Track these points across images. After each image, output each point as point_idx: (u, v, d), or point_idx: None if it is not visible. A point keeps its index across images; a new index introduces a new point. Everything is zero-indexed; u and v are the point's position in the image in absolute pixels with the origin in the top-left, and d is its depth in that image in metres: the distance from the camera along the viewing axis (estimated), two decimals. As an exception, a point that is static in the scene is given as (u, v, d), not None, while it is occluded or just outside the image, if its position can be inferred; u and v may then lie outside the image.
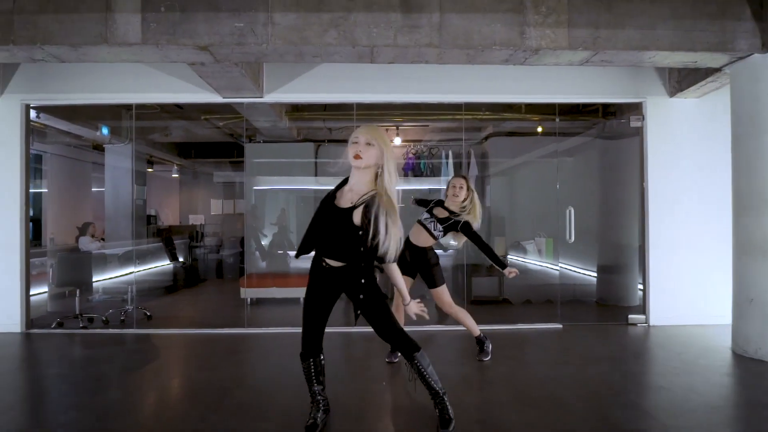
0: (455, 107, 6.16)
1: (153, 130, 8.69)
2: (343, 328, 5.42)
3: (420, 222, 4.12)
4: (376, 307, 2.74)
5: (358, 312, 2.74)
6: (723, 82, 4.94)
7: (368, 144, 2.64)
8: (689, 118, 5.59)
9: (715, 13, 4.16)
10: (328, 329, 2.89)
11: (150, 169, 10.98)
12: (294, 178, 8.37)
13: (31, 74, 5.45)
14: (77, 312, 5.68)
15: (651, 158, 5.58)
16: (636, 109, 5.75)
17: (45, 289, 6.32)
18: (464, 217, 4.03)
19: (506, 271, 4.05)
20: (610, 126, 6.79)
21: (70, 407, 3.26)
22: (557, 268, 6.71)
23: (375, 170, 2.68)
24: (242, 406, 3.22)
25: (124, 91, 5.53)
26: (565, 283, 6.91)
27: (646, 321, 5.57)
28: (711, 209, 5.45)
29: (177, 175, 12.43)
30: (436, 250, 4.22)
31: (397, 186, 2.71)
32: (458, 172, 7.41)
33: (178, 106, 7.14)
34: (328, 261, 2.74)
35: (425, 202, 4.27)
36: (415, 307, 2.84)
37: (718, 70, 4.66)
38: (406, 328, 2.90)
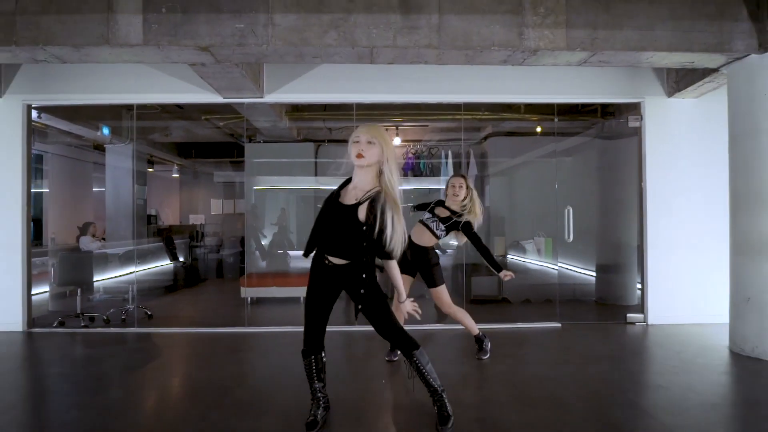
0: (454, 107, 6.19)
1: (153, 130, 8.72)
2: (344, 327, 5.44)
3: (422, 222, 4.14)
4: (376, 305, 2.77)
5: (359, 307, 2.76)
6: (720, 83, 4.97)
7: (369, 142, 2.68)
8: (687, 119, 5.62)
9: (712, 14, 4.18)
10: (328, 328, 2.92)
11: (150, 169, 11.00)
12: (294, 178, 8.40)
13: (32, 75, 5.48)
14: (78, 311, 5.70)
15: (649, 158, 5.61)
16: (634, 109, 5.78)
17: (46, 288, 6.35)
18: (465, 217, 4.06)
19: (502, 274, 4.09)
20: (609, 126, 6.81)
21: (72, 406, 3.29)
22: (556, 267, 6.74)
23: (377, 168, 2.71)
24: (243, 404, 3.24)
25: (125, 91, 5.56)
26: (564, 283, 6.94)
27: (645, 320, 5.60)
28: (709, 209, 5.48)
29: (177, 175, 12.46)
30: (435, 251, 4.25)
31: (400, 184, 2.75)
32: (457, 171, 7.43)
33: (179, 106, 7.17)
34: (331, 259, 2.76)
35: (424, 206, 4.28)
36: (409, 306, 2.87)
37: (715, 70, 4.69)
38: (406, 327, 2.93)
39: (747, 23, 4.19)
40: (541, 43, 4.08)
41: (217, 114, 7.62)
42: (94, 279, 6.42)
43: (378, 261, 2.83)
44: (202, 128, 8.62)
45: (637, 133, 5.74)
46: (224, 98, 5.56)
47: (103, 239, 7.95)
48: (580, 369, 4.02)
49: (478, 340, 4.31)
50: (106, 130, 7.61)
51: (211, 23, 3.94)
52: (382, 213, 2.62)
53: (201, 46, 3.97)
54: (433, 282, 4.08)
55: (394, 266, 2.80)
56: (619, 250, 6.60)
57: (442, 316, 5.46)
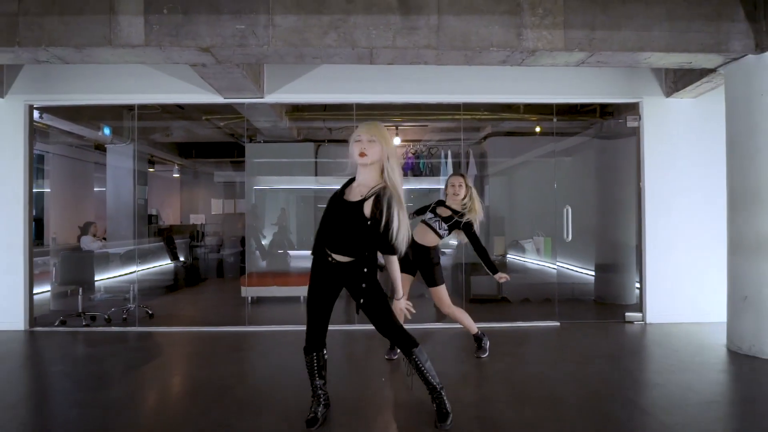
0: (454, 107, 6.22)
1: (154, 130, 8.75)
2: (344, 326, 5.48)
3: (425, 222, 4.16)
4: (376, 303, 2.80)
5: (360, 301, 2.79)
6: (718, 83, 5.00)
7: (371, 141, 2.72)
8: (685, 118, 5.65)
9: (709, 14, 4.21)
10: (329, 327, 2.95)
11: (151, 169, 11.03)
12: (294, 178, 8.44)
13: (34, 75, 5.52)
14: (80, 310, 5.74)
15: (647, 158, 5.64)
16: (633, 109, 5.80)
17: (47, 288, 6.38)
18: (467, 216, 4.09)
19: (497, 276, 4.14)
20: (608, 126, 6.84)
21: (74, 404, 3.32)
22: (555, 267, 6.77)
23: (380, 165, 2.75)
24: (243, 402, 3.27)
25: (126, 91, 5.59)
26: (564, 282, 6.97)
27: (643, 319, 5.63)
28: (707, 208, 5.51)
29: (178, 175, 12.50)
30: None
31: (401, 181, 2.79)
32: (456, 170, 7.47)
33: (180, 106, 7.20)
34: (335, 256, 2.79)
35: (424, 209, 4.31)
36: (402, 303, 2.88)
37: (713, 70, 4.72)
38: (405, 326, 2.95)
39: (744, 23, 4.21)
40: (540, 43, 4.11)
41: (218, 114, 7.66)
42: (95, 278, 6.46)
43: (379, 260, 2.86)
44: (203, 128, 8.66)
45: (636, 133, 5.77)
46: (225, 98, 5.59)
47: (104, 239, 7.98)
48: (578, 367, 4.05)
49: (477, 338, 4.35)
50: (107, 131, 7.64)
51: (212, 24, 3.97)
52: (389, 207, 2.66)
53: (202, 47, 4.01)
54: (433, 281, 4.11)
55: (395, 262, 2.84)
56: (617, 249, 6.63)
57: (441, 315, 5.49)
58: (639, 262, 5.84)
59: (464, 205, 4.12)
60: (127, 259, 7.28)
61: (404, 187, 2.82)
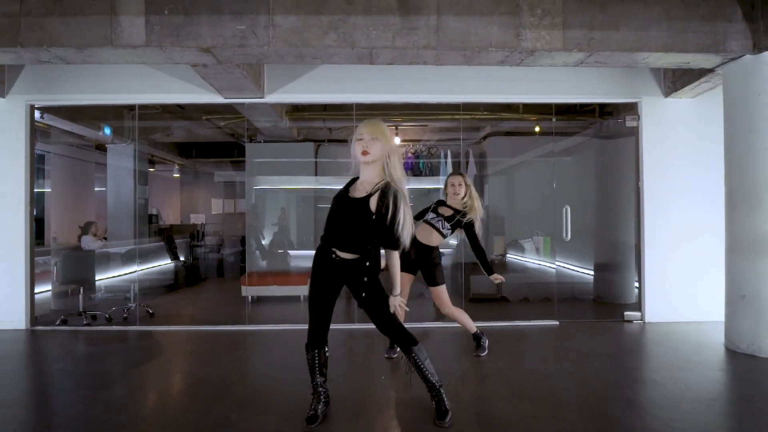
0: (453, 107, 6.24)
1: (155, 130, 8.77)
2: (345, 325, 5.50)
3: (428, 222, 4.18)
4: (377, 301, 2.83)
5: (363, 294, 2.81)
6: (716, 83, 5.02)
7: (373, 139, 2.76)
8: (684, 118, 5.67)
9: (707, 14, 4.23)
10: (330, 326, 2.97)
11: (152, 169, 11.06)
12: (294, 178, 8.46)
13: (35, 75, 5.54)
14: (81, 309, 5.76)
15: (646, 157, 5.66)
16: (632, 109, 5.83)
17: (48, 287, 6.41)
18: (469, 215, 4.12)
19: (492, 277, 4.18)
20: (607, 126, 6.87)
21: (76, 402, 3.34)
22: (554, 266, 6.79)
23: (383, 162, 2.79)
24: (244, 400, 3.30)
25: (126, 91, 5.61)
26: (563, 282, 6.99)
27: (642, 318, 5.65)
28: (705, 208, 5.53)
29: (178, 175, 12.53)
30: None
31: (404, 177, 2.83)
32: (455, 170, 7.49)
33: (180, 106, 7.22)
34: (339, 253, 2.82)
35: (424, 211, 4.32)
36: (396, 300, 2.88)
37: (711, 70, 4.74)
38: (405, 324, 2.98)
39: (741, 24, 4.24)
40: (538, 44, 4.14)
41: (218, 114, 7.68)
42: (96, 278, 6.48)
43: (382, 265, 2.88)
44: (203, 128, 8.68)
45: (635, 132, 5.79)
46: (225, 98, 5.61)
47: (105, 238, 8.01)
48: (577, 366, 4.07)
49: (476, 337, 4.37)
50: (107, 130, 7.67)
51: (213, 24, 3.99)
52: (394, 202, 2.70)
53: (203, 47, 4.03)
54: (434, 281, 4.13)
55: (396, 258, 2.87)
56: (616, 248, 6.65)
57: (440, 314, 5.51)
58: (638, 262, 5.86)
59: (465, 204, 4.15)
60: (128, 258, 7.31)
61: (405, 187, 2.85)
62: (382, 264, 2.92)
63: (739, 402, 3.45)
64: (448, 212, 4.16)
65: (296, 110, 7.47)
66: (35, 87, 5.54)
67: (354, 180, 2.90)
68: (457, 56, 4.28)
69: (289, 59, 4.34)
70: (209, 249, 10.45)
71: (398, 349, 4.23)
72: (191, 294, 8.32)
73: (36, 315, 5.64)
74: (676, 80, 5.46)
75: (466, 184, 4.19)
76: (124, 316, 5.94)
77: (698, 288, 5.51)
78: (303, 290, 7.00)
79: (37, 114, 5.75)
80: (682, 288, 5.56)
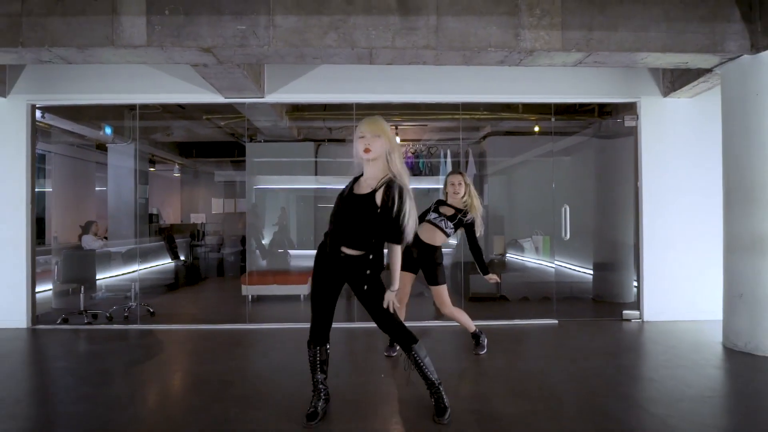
0: (453, 107, 6.26)
1: (155, 129, 8.80)
2: (345, 324, 5.53)
3: (431, 221, 4.20)
4: (378, 298, 2.85)
5: (365, 287, 2.83)
6: (715, 83, 5.04)
7: (375, 136, 2.79)
8: (682, 118, 5.69)
9: (706, 15, 4.25)
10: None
11: (152, 169, 11.08)
12: (294, 177, 8.49)
13: (36, 75, 5.56)
14: (82, 308, 5.78)
15: (645, 157, 5.68)
16: (631, 108, 5.85)
17: (49, 286, 6.43)
18: (470, 214, 4.16)
19: (487, 276, 4.22)
20: (606, 125, 6.89)
21: (78, 399, 3.36)
22: (553, 265, 6.81)
23: (385, 159, 2.82)
24: (244, 397, 3.32)
25: (127, 91, 5.63)
26: (562, 281, 7.02)
27: (641, 317, 5.68)
28: (704, 207, 5.55)
29: (179, 174, 12.55)
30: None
31: (406, 172, 2.86)
32: (455, 169, 7.52)
33: (181, 106, 7.25)
34: (346, 250, 2.84)
35: (425, 213, 4.34)
36: (392, 296, 2.88)
37: (709, 70, 4.76)
38: (405, 323, 3.00)
39: (739, 24, 4.26)
40: (537, 44, 4.16)
41: (219, 114, 7.71)
42: (97, 277, 6.51)
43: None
44: (204, 128, 8.71)
45: (633, 132, 5.81)
46: (225, 98, 5.63)
47: (106, 238, 8.03)
48: (575, 364, 4.09)
49: (475, 336, 4.39)
50: (108, 130, 7.69)
51: (213, 25, 4.02)
52: (400, 194, 2.74)
53: (203, 47, 4.05)
54: (435, 280, 4.15)
55: (398, 252, 2.89)
56: (615, 248, 6.68)
57: (440, 313, 5.54)
58: (637, 261, 5.88)
59: (465, 203, 4.18)
60: (128, 258, 7.33)
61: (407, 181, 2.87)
62: (385, 262, 2.94)
63: (735, 399, 3.48)
64: (449, 211, 4.19)
65: (296, 110, 7.49)
66: (36, 87, 5.57)
67: (356, 178, 2.93)
68: (457, 56, 4.30)
69: (290, 59, 4.36)
70: (209, 248, 10.47)
71: (398, 348, 4.27)
72: (191, 293, 8.34)
73: (37, 314, 5.67)
74: (674, 80, 5.48)
75: (465, 183, 4.21)
76: (125, 315, 5.96)
77: (696, 287, 5.53)
78: (303, 289, 7.03)
79: (38, 113, 5.77)
80: (681, 287, 5.58)
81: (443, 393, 2.92)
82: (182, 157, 11.31)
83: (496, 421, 2.94)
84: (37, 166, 5.87)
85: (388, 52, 4.19)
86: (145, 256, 7.79)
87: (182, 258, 8.96)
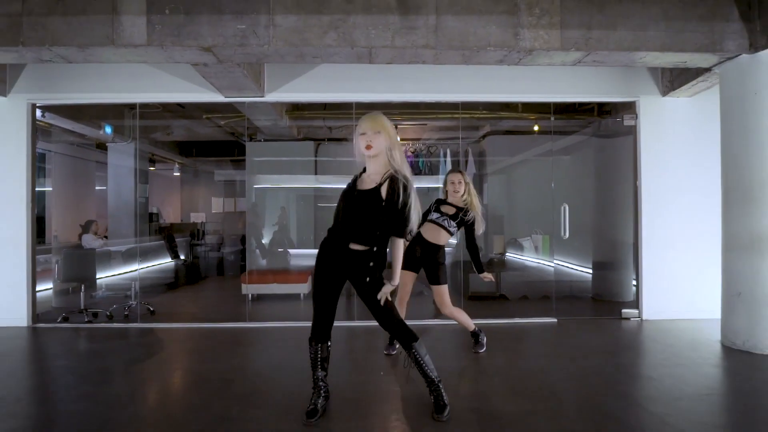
0: (452, 106, 6.27)
1: (155, 128, 8.81)
2: (345, 322, 5.54)
3: (434, 221, 4.20)
4: (378, 298, 2.86)
5: (367, 279, 2.84)
6: (713, 82, 5.06)
7: (376, 132, 2.82)
8: (681, 117, 5.71)
9: (704, 14, 4.27)
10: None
11: (152, 168, 11.10)
12: (294, 177, 8.50)
13: (37, 74, 5.57)
14: (82, 307, 5.80)
15: (644, 156, 5.69)
16: (630, 107, 5.86)
17: (49, 285, 6.45)
18: (471, 213, 4.18)
19: (482, 275, 4.24)
20: (605, 125, 6.90)
21: (79, 397, 3.38)
22: (552, 264, 6.83)
23: (387, 154, 2.85)
24: (244, 394, 3.34)
25: (127, 90, 5.64)
26: (561, 280, 7.03)
27: (639, 315, 5.69)
28: (703, 206, 5.57)
29: (179, 174, 12.56)
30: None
31: (408, 168, 2.89)
32: (454, 167, 7.54)
33: (181, 105, 7.26)
34: (354, 246, 2.85)
35: (426, 213, 4.35)
36: (389, 289, 2.90)
37: (708, 69, 4.78)
38: (405, 321, 3.02)
39: (738, 23, 4.27)
40: (536, 43, 4.17)
41: (219, 113, 7.72)
42: (97, 276, 6.52)
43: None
44: (204, 127, 8.72)
45: (632, 131, 5.82)
46: (226, 97, 5.65)
47: (106, 237, 8.04)
48: (574, 362, 4.11)
49: (474, 334, 4.41)
50: (108, 129, 7.70)
51: (214, 24, 4.03)
52: (404, 187, 2.77)
53: (204, 47, 4.06)
54: (437, 279, 4.17)
55: (401, 246, 2.91)
56: (614, 247, 6.69)
57: (440, 312, 5.56)
58: (636, 260, 5.90)
59: (465, 201, 4.20)
60: (129, 257, 7.34)
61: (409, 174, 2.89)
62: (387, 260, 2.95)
63: (734, 397, 3.49)
64: (451, 210, 4.21)
65: (296, 109, 7.50)
66: (37, 86, 5.58)
67: (358, 175, 2.95)
68: (456, 55, 4.31)
69: (290, 58, 4.37)
70: (209, 247, 10.48)
71: (397, 346, 4.28)
72: (192, 292, 8.35)
73: (37, 312, 5.68)
74: (673, 79, 5.49)
75: (465, 182, 4.23)
76: (125, 313, 5.97)
77: (695, 286, 5.55)
78: (303, 288, 7.04)
79: (38, 113, 5.78)
80: (680, 286, 5.60)
81: (443, 391, 2.94)
82: (182, 156, 11.32)
83: (496, 419, 2.95)
84: (38, 165, 5.88)
85: (388, 51, 4.20)
86: (145, 255, 7.81)
87: (182, 257, 8.98)
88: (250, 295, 6.80)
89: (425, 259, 4.19)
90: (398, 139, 2.92)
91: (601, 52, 4.28)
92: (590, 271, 7.14)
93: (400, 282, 4.04)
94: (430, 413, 2.94)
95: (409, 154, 8.37)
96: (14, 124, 5.54)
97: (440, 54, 4.27)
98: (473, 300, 6.67)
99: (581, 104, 6.90)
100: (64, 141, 8.09)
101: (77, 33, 4.00)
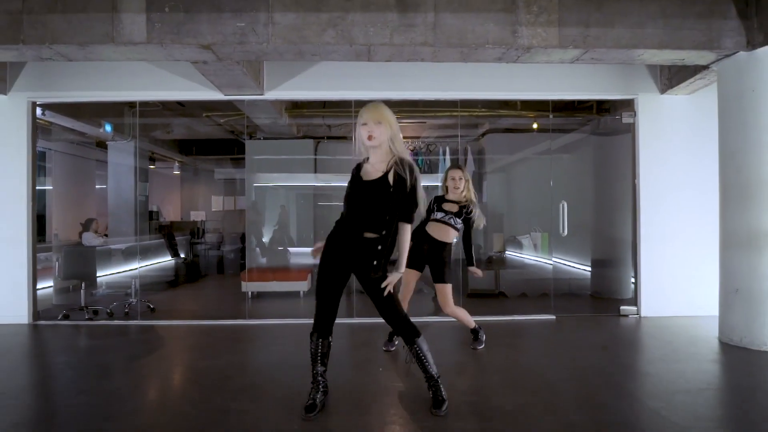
0: (451, 104, 6.29)
1: (155, 127, 8.83)
2: (345, 320, 5.56)
3: (439, 221, 4.21)
4: (383, 291, 2.87)
5: (374, 263, 2.84)
6: (711, 79, 5.07)
7: (377, 123, 2.84)
8: (680, 115, 5.72)
9: (702, 11, 4.28)
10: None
11: (152, 166, 11.12)
12: (294, 175, 8.51)
13: (37, 72, 5.59)
14: (82, 304, 5.82)
15: (642, 154, 5.71)
16: (628, 105, 5.87)
17: (50, 283, 6.47)
18: (473, 210, 4.21)
19: (472, 269, 4.29)
20: (604, 122, 6.91)
21: (80, 392, 3.40)
22: (551, 262, 6.84)
23: (388, 144, 2.88)
24: (244, 390, 3.36)
25: (127, 88, 5.66)
26: (560, 277, 7.05)
27: (638, 312, 5.71)
28: (700, 204, 5.58)
29: (178, 172, 12.58)
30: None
31: (409, 156, 2.92)
32: (454, 163, 7.55)
33: (180, 103, 7.27)
34: (368, 234, 2.86)
35: (427, 213, 4.38)
36: (395, 278, 2.91)
37: (706, 67, 4.79)
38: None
39: (736, 21, 4.29)
40: (534, 40, 4.19)
41: (218, 111, 7.74)
42: (98, 274, 6.54)
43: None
44: (203, 125, 8.74)
45: (631, 129, 5.84)
46: (225, 95, 5.66)
47: (106, 235, 8.06)
48: (572, 358, 4.13)
49: (474, 331, 4.43)
50: (108, 127, 7.72)
51: (213, 22, 4.05)
52: (411, 170, 2.81)
53: (203, 45, 4.08)
54: (442, 278, 4.18)
55: (408, 232, 2.92)
56: (613, 244, 6.71)
57: (439, 309, 5.57)
58: (634, 257, 5.91)
59: (464, 197, 4.23)
60: (129, 255, 7.36)
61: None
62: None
63: (730, 392, 3.51)
64: (454, 208, 4.22)
65: (296, 107, 7.52)
66: (37, 84, 5.59)
67: (361, 164, 2.97)
68: (454, 53, 4.33)
69: (289, 56, 4.39)
70: (209, 246, 10.51)
71: (396, 342, 4.31)
72: (192, 290, 8.37)
73: (38, 310, 5.70)
74: (672, 77, 5.51)
75: (465, 178, 4.25)
76: (126, 311, 5.99)
77: (693, 283, 5.57)
78: (302, 286, 7.06)
79: (38, 111, 5.80)
80: (678, 283, 5.62)
81: (441, 386, 2.96)
82: (182, 154, 11.34)
83: (493, 414, 2.97)
84: (38, 164, 5.89)
85: (387, 49, 4.22)
86: (145, 253, 7.82)
87: (182, 255, 9.00)
88: (249, 293, 6.82)
89: (432, 256, 4.21)
90: (399, 131, 2.94)
91: (599, 50, 4.29)
92: (589, 268, 7.16)
93: (403, 280, 4.07)
94: (428, 408, 2.96)
95: (409, 151, 8.38)
96: (14, 122, 5.56)
97: (439, 51, 4.29)
98: (472, 297, 6.69)
99: (580, 102, 6.92)
100: (65, 139, 8.11)
101: (77, 31, 4.02)
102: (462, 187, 4.22)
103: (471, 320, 4.38)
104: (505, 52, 4.31)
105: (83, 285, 5.92)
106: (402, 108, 7.16)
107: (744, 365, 3.97)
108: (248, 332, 5.24)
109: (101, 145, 8.66)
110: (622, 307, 5.82)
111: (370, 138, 2.84)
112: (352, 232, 2.89)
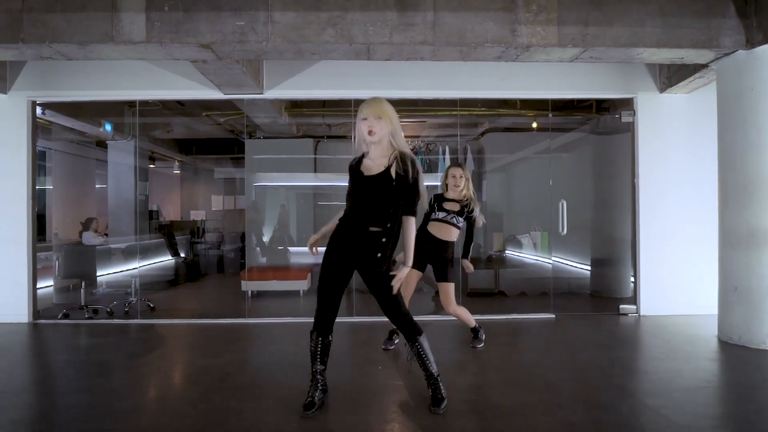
0: (451, 103, 6.29)
1: (155, 126, 8.84)
2: (344, 318, 5.56)
3: (442, 220, 4.22)
4: (388, 288, 2.88)
5: (378, 255, 2.84)
6: (711, 78, 5.07)
7: (377, 118, 2.84)
8: (679, 114, 5.72)
9: (701, 10, 4.29)
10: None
11: (152, 165, 11.12)
12: (294, 174, 8.52)
13: (37, 71, 5.59)
14: (82, 303, 5.82)
15: (642, 153, 5.71)
16: (628, 104, 5.88)
17: (50, 282, 6.48)
18: (474, 209, 4.23)
19: (465, 263, 4.32)
20: (604, 121, 6.92)
21: (80, 390, 3.41)
22: (550, 261, 6.85)
23: (389, 138, 2.88)
24: (243, 388, 3.36)
25: (127, 87, 5.66)
26: (560, 276, 7.05)
27: (637, 311, 5.71)
28: (700, 202, 5.58)
29: (178, 171, 12.59)
30: None
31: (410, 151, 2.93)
32: (454, 162, 7.56)
33: (180, 102, 7.28)
34: (373, 228, 2.86)
35: (429, 211, 4.38)
36: (404, 273, 2.90)
37: (705, 66, 4.79)
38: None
39: (734, 19, 4.29)
40: (534, 39, 4.19)
41: (218, 110, 7.74)
42: (98, 273, 6.54)
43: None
44: (203, 125, 8.74)
45: (630, 128, 5.84)
46: (225, 94, 5.67)
47: (106, 234, 8.07)
48: (570, 356, 4.14)
49: (474, 330, 4.44)
50: (108, 127, 7.72)
51: (212, 21, 4.05)
52: (412, 163, 2.83)
53: (202, 44, 4.09)
54: (445, 277, 4.19)
55: (413, 225, 2.92)
56: (612, 243, 6.71)
57: (439, 307, 5.58)
58: (633, 256, 5.92)
59: (464, 195, 4.23)
60: (129, 254, 7.36)
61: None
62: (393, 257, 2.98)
63: (729, 390, 3.51)
64: (456, 207, 4.23)
65: (295, 106, 7.52)
66: (37, 83, 5.60)
67: (361, 158, 2.96)
68: (454, 52, 4.34)
69: (288, 55, 4.39)
70: (209, 245, 10.52)
71: (396, 341, 4.31)
72: (191, 289, 8.38)
73: (38, 309, 5.71)
74: (671, 76, 5.51)
75: (466, 177, 4.26)
76: (126, 310, 6.00)
77: (692, 282, 5.57)
78: (302, 285, 7.06)
79: (38, 110, 5.80)
80: (677, 282, 5.62)
81: (441, 384, 2.96)
82: (182, 154, 11.35)
83: (492, 412, 2.98)
84: (38, 163, 5.90)
85: (386, 47, 4.23)
86: (145, 252, 7.83)
87: (182, 255, 9.01)
88: (249, 292, 6.82)
89: (435, 256, 4.22)
90: (399, 126, 2.94)
91: (598, 49, 4.29)
92: (588, 267, 7.16)
93: (404, 280, 4.07)
94: (426, 406, 2.96)
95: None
96: (14, 122, 5.56)
97: (438, 50, 4.29)
98: (472, 296, 6.69)
99: (579, 101, 6.92)
100: (65, 139, 8.11)
101: (77, 30, 4.02)
102: (462, 186, 4.23)
103: (472, 319, 4.39)
104: (505, 51, 4.32)
105: (83, 284, 5.92)
106: (401, 107, 7.15)
107: (743, 363, 3.98)
108: (248, 331, 5.24)
109: (101, 144, 8.67)
110: (621, 306, 5.83)
111: (370, 133, 2.84)
112: (357, 227, 2.89)
